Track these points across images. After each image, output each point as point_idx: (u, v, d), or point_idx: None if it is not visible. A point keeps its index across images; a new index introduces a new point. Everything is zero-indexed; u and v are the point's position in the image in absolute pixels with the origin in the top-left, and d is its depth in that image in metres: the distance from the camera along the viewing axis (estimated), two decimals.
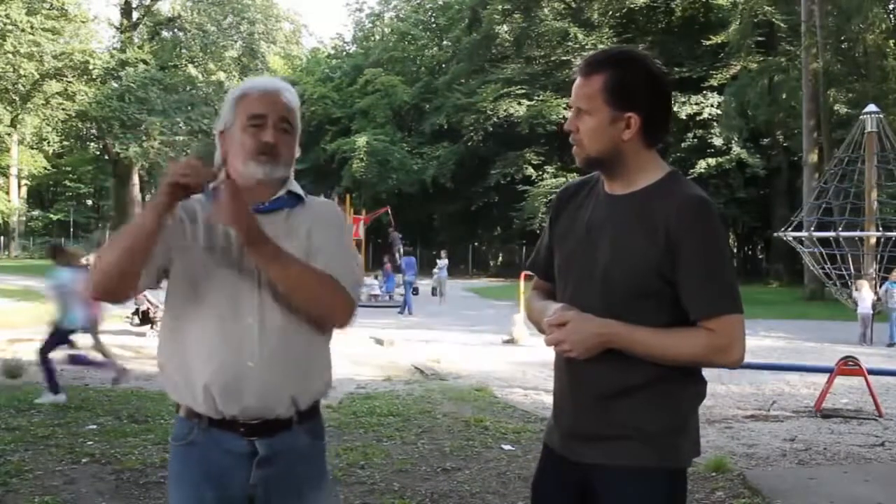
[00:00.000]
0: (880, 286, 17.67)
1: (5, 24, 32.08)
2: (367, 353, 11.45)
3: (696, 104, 33.91)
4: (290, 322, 1.93)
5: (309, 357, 1.98)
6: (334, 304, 1.94)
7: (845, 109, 27.96)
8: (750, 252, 47.24)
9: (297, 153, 2.04)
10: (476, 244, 48.99)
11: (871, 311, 16.09)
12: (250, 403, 1.89)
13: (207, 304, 1.90)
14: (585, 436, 1.88)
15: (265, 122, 1.94)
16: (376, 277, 25.56)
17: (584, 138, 1.88)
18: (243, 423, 1.91)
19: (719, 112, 32.86)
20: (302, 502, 2.00)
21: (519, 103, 36.98)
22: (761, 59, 31.46)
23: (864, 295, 16.25)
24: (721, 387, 9.12)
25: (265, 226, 1.91)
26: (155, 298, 13.50)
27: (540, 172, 37.22)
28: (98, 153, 47.14)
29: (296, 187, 2.03)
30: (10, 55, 32.87)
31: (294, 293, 1.89)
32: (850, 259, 20.51)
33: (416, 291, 23.75)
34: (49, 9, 34.55)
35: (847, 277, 20.16)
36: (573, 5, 39.90)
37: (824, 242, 20.54)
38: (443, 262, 25.69)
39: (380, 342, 12.77)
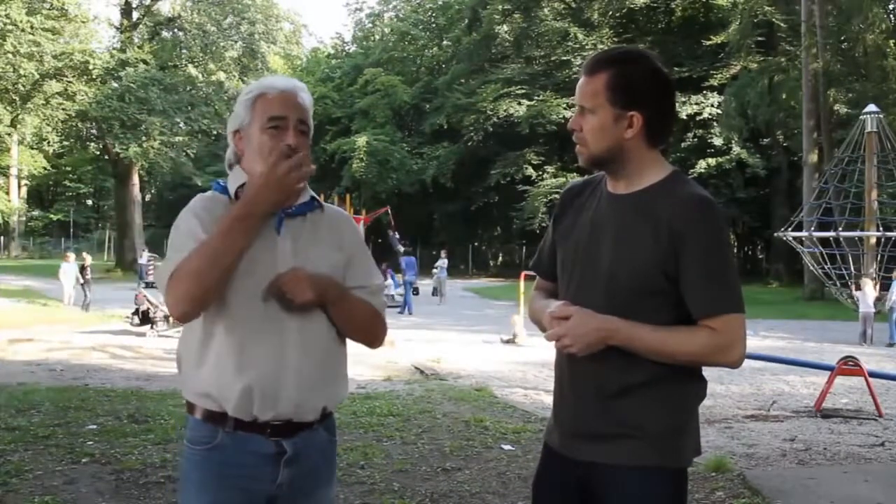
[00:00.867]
0: (881, 286, 17.66)
1: (5, 24, 32.03)
2: (368, 352, 11.39)
3: (696, 104, 33.92)
4: (326, 327, 1.97)
5: (338, 365, 2.05)
6: (378, 333, 2.10)
7: (845, 109, 27.95)
8: (750, 252, 47.25)
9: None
10: (476, 244, 49.01)
11: (873, 311, 16.09)
12: (286, 410, 1.91)
13: (246, 313, 1.89)
14: (586, 434, 1.88)
15: (286, 124, 1.94)
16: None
17: (588, 137, 1.88)
18: (270, 425, 1.92)
19: (719, 112, 32.86)
20: (320, 498, 2.05)
21: (519, 103, 36.98)
22: (761, 59, 31.46)
23: (867, 294, 16.25)
24: (721, 387, 9.12)
25: (291, 228, 1.95)
26: (155, 299, 13.50)
27: (540, 172, 37.24)
28: (98, 153, 47.10)
29: (311, 192, 2.05)
30: (10, 55, 32.82)
31: (349, 326, 2.02)
32: (849, 259, 20.51)
33: (416, 291, 23.71)
34: (49, 9, 34.49)
35: (846, 277, 20.17)
36: (573, 5, 39.89)
37: (824, 242, 20.53)
38: (443, 262, 25.67)
39: None
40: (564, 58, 37.11)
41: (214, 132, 38.51)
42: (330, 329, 1.98)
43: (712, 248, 1.80)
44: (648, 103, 1.85)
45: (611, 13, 37.65)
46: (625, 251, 1.83)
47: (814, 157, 27.76)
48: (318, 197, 2.05)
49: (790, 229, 21.02)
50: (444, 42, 48.42)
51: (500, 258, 50.60)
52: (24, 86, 34.84)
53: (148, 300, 13.78)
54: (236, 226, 1.82)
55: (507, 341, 13.90)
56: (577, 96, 1.90)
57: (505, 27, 41.78)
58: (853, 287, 18.18)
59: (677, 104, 23.93)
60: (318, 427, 2.00)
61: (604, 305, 1.82)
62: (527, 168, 37.50)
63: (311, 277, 1.90)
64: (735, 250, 45.51)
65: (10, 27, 32.18)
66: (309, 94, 2.03)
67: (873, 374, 8.26)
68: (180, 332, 2.07)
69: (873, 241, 20.44)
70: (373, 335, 2.09)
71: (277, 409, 1.90)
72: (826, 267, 20.55)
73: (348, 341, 2.09)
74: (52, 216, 54.41)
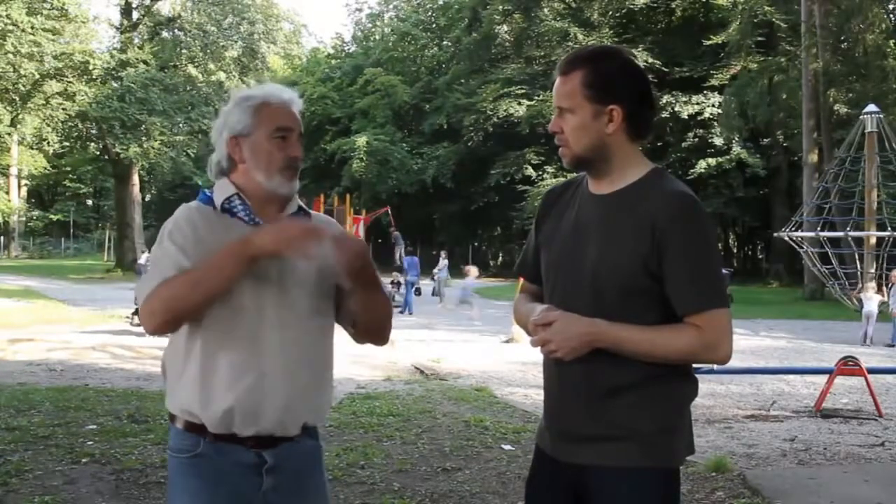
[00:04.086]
0: (879, 287, 17.64)
1: (6, 25, 32.03)
2: (367, 353, 11.39)
3: (697, 104, 33.91)
4: (308, 341, 1.97)
5: (323, 381, 2.04)
6: (389, 329, 2.11)
7: (845, 109, 27.93)
8: (750, 252, 47.24)
9: None
10: (476, 244, 48.99)
11: (876, 311, 16.04)
12: (268, 426, 1.92)
13: (229, 326, 1.90)
14: (577, 437, 1.88)
15: (291, 136, 1.97)
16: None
17: (570, 137, 1.89)
18: (251, 438, 1.93)
19: (719, 112, 32.86)
20: (311, 500, 2.04)
21: (519, 103, 36.95)
22: (761, 59, 31.44)
23: (871, 295, 16.24)
24: (721, 387, 9.12)
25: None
26: None
27: (540, 172, 37.19)
28: (98, 153, 47.11)
29: (300, 202, 2.08)
30: (10, 55, 32.83)
31: (372, 316, 2.03)
32: (849, 259, 20.50)
33: (418, 292, 23.65)
34: (49, 9, 34.49)
35: (847, 277, 20.16)
36: (573, 5, 39.88)
37: (821, 243, 20.55)
38: (444, 262, 25.71)
39: None
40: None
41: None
42: (313, 343, 1.97)
43: (695, 245, 1.80)
44: (626, 96, 1.86)
45: (611, 13, 37.62)
46: (609, 251, 1.82)
47: (814, 157, 27.75)
48: (304, 206, 2.06)
49: (790, 229, 21.01)
50: (444, 42, 48.38)
51: (500, 258, 50.58)
52: (24, 86, 34.83)
53: None
54: (232, 262, 1.83)
55: (507, 341, 13.88)
56: (555, 99, 1.90)
57: (505, 27, 41.75)
58: (858, 287, 18.14)
59: (678, 104, 23.79)
60: (299, 438, 2.00)
61: (590, 306, 1.82)
62: (527, 168, 37.46)
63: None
64: (735, 250, 45.58)
65: (10, 27, 32.17)
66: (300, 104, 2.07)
67: (873, 371, 8.27)
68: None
69: (873, 241, 20.44)
70: (386, 329, 2.12)
71: (259, 426, 1.90)
72: (828, 267, 20.55)
73: (337, 348, 2.08)
74: (52, 216, 54.43)
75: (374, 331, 2.09)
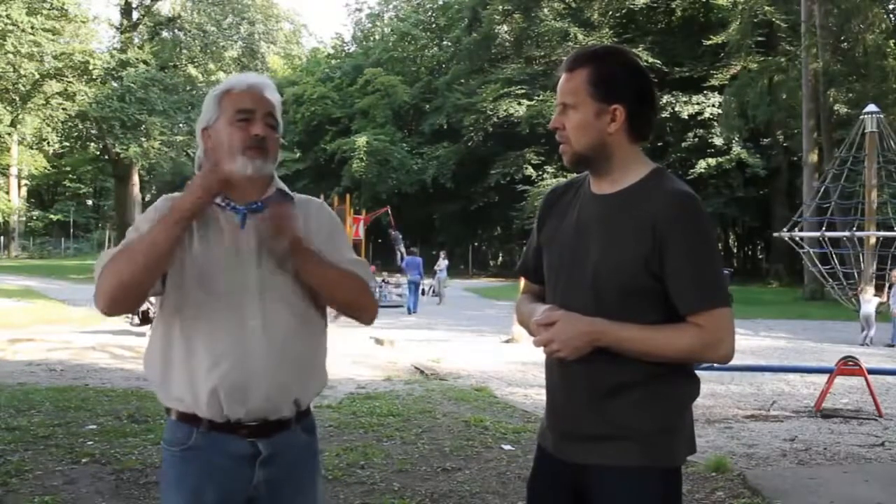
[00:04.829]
0: (879, 287, 17.63)
1: (6, 25, 32.05)
2: (367, 353, 11.43)
3: (697, 104, 33.91)
4: (292, 323, 1.94)
5: (311, 356, 2.01)
6: (366, 305, 2.05)
7: (845, 109, 27.94)
8: (750, 252, 47.25)
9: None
10: (476, 244, 49.00)
11: (874, 312, 16.03)
12: (256, 405, 1.90)
13: (209, 309, 1.90)
14: (578, 436, 1.88)
15: (253, 117, 1.95)
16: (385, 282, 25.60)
17: (571, 134, 1.89)
18: (245, 426, 1.91)
19: (719, 112, 32.86)
20: (303, 498, 2.02)
21: (519, 103, 36.97)
22: (761, 59, 31.46)
23: (869, 297, 16.23)
24: (721, 387, 9.12)
25: (256, 224, 1.94)
26: (155, 299, 13.48)
27: (540, 172, 37.20)
28: (98, 153, 47.13)
29: (282, 185, 2.04)
30: (10, 55, 32.85)
31: (333, 295, 1.98)
32: (848, 259, 20.48)
33: (423, 292, 23.61)
34: (49, 9, 34.52)
35: (842, 278, 20.15)
36: (573, 5, 39.89)
37: (822, 243, 20.55)
38: (443, 262, 25.72)
39: (380, 342, 12.76)
40: (564, 58, 36.99)
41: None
42: (297, 321, 1.95)
43: (697, 243, 1.80)
44: (629, 96, 1.86)
45: (611, 13, 37.62)
46: (610, 251, 1.82)
47: (814, 157, 27.76)
48: (285, 189, 2.04)
49: (791, 229, 21.01)
50: (444, 42, 48.44)
51: (500, 258, 50.60)
52: (24, 86, 34.83)
53: (148, 300, 13.75)
54: (160, 228, 1.84)
55: (508, 341, 13.89)
56: (559, 94, 1.92)
57: (505, 27, 41.79)
58: (859, 288, 18.12)
59: (678, 104, 23.73)
60: (295, 427, 1.99)
61: (592, 306, 1.82)
62: (527, 168, 37.47)
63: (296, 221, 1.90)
64: (735, 250, 45.58)
65: (10, 27, 32.17)
66: (277, 93, 2.04)
67: (873, 371, 8.26)
68: None
69: (873, 241, 20.44)
70: (358, 305, 2.04)
71: (248, 406, 1.89)
72: (828, 268, 20.54)
73: (329, 331, 2.06)
74: (52, 216, 54.44)
75: (345, 307, 2.03)
